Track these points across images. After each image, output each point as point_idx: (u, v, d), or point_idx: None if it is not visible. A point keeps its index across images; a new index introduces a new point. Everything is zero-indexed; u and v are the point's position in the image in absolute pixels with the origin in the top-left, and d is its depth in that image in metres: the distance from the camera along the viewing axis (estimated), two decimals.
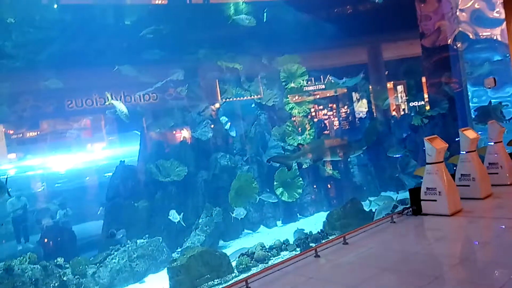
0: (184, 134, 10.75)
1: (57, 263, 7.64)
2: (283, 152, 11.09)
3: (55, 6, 10.83)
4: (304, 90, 12.12)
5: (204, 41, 10.98)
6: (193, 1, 12.43)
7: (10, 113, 10.95)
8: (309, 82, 12.25)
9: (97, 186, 10.84)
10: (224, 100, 11.31)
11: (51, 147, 11.75)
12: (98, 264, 7.78)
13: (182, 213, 8.88)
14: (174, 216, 8.77)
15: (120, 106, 9.38)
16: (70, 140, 12.08)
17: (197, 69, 11.27)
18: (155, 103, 10.75)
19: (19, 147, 11.64)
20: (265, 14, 11.63)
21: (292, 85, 11.82)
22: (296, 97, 12.06)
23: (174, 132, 10.71)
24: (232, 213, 9.37)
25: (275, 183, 10.55)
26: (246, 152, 10.74)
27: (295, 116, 11.61)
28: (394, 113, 13.12)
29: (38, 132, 12.14)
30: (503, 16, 8.50)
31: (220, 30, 11.37)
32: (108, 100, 9.92)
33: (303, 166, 10.88)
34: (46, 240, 9.33)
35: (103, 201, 9.53)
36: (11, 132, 11.72)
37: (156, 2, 12.80)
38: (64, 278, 7.28)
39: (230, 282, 6.17)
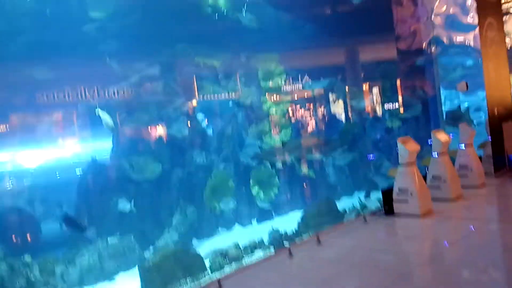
0: (159, 130, 10.59)
1: (24, 261, 7.39)
2: (259, 151, 11.08)
3: None
4: (281, 89, 12.14)
5: (182, 35, 10.84)
6: None
7: None
8: (287, 82, 12.28)
9: (67, 183, 10.55)
10: (201, 97, 11.20)
11: (21, 141, 11.39)
12: (67, 263, 7.57)
13: (132, 200, 8.72)
14: (124, 205, 8.60)
15: (107, 119, 9.24)
16: (40, 135, 11.74)
17: (174, 64, 11.12)
18: (129, 98, 10.55)
19: None
20: (244, 10, 11.57)
21: (270, 84, 11.82)
22: (274, 97, 12.06)
23: (148, 128, 10.53)
24: (219, 205, 9.28)
25: (251, 181, 10.52)
26: (222, 150, 10.66)
27: (272, 115, 11.62)
28: (369, 114, 13.30)
29: (7, 126, 11.75)
30: (476, 21, 8.71)
31: (198, 25, 11.26)
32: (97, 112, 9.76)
33: (278, 165, 10.90)
34: (13, 237, 9.04)
35: (74, 198, 9.29)
36: None
37: None
38: (31, 277, 7.06)
39: (203, 282, 6.09)
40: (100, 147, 10.86)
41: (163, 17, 11.01)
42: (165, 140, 10.39)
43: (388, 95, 12.69)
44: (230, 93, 11.52)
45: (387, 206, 6.51)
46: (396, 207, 6.43)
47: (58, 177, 10.77)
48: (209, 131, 10.90)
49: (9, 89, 11.02)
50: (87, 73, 11.29)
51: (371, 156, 11.63)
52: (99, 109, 9.78)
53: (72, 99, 12.03)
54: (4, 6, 10.01)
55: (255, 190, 10.50)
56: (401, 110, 12.23)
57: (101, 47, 10.22)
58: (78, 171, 9.96)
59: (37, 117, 12.03)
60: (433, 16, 10.65)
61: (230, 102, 11.50)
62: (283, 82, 12.13)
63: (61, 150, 11.64)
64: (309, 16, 13.11)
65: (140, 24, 10.61)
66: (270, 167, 10.83)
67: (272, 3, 12.28)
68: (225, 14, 11.50)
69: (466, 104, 10.76)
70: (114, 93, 10.36)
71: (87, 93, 11.91)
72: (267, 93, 11.88)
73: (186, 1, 12.24)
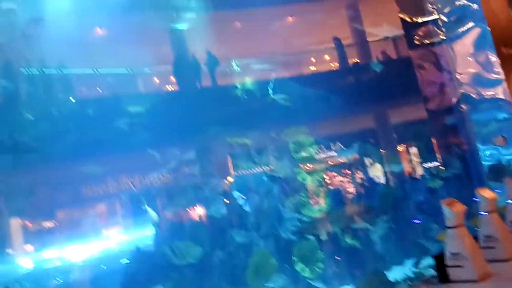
0: (198, 212, 10.73)
1: None
2: (299, 224, 10.88)
3: (72, 99, 11.55)
4: (314, 159, 12.20)
5: (214, 119, 11.39)
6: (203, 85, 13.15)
7: (27, 205, 11.20)
8: (319, 151, 12.38)
9: (113, 274, 10.63)
10: (235, 175, 11.44)
11: (68, 236, 11.80)
12: None
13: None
14: None
15: (152, 214, 9.60)
16: (86, 228, 12.16)
17: (208, 147, 11.57)
18: (168, 184, 10.93)
19: (36, 238, 11.69)
20: (270, 90, 12.13)
21: (302, 155, 11.94)
22: (308, 167, 12.11)
23: (188, 211, 10.71)
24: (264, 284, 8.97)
25: (294, 257, 10.21)
26: (261, 227, 10.56)
27: (308, 186, 11.57)
28: (408, 176, 13.00)
29: (55, 222, 12.27)
30: (502, 76, 8.74)
31: (228, 108, 11.85)
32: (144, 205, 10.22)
33: (321, 237, 10.59)
34: None
35: None
36: (28, 223, 11.86)
37: (166, 88, 13.60)
38: None
39: None
40: (143, 235, 11.07)
41: (195, 104, 11.74)
42: (204, 221, 10.47)
43: (424, 155, 12.47)
44: (263, 168, 11.71)
45: (441, 273, 6.09)
46: (451, 273, 6.00)
47: (104, 268, 10.82)
48: (247, 208, 10.92)
49: (56, 186, 11.74)
50: (128, 164, 11.93)
51: (416, 220, 11.16)
52: (146, 206, 10.13)
53: (115, 190, 12.63)
54: (51, 110, 10.95)
55: (299, 266, 10.13)
56: (441, 169, 11.92)
57: (140, 137, 10.87)
58: (123, 261, 10.07)
59: (83, 211, 12.60)
60: (457, 75, 10.79)
61: (265, 177, 11.62)
62: (315, 152, 12.22)
63: (106, 241, 11.95)
64: (335, 87, 13.55)
65: (175, 113, 11.33)
66: (312, 240, 10.54)
67: (297, 79, 12.89)
68: (253, 94, 12.12)
69: (506, 158, 10.38)
70: (154, 181, 10.76)
71: (128, 183, 12.49)
72: (300, 164, 11.96)
73: (215, 87, 13.09)
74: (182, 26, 13.30)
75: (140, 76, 13.40)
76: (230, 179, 11.48)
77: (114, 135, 10.90)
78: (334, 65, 15.87)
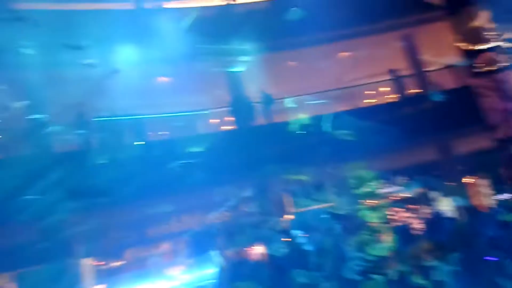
0: (258, 251, 10.66)
1: None
2: (364, 264, 10.43)
3: (136, 144, 12.30)
4: (376, 194, 11.80)
5: (271, 157, 11.52)
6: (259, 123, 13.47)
7: (98, 246, 11.83)
8: (380, 186, 11.98)
9: None
10: (294, 212, 11.33)
11: (134, 276, 12.21)
12: None
13: None
14: None
15: (215, 255, 9.99)
16: (151, 268, 12.52)
17: (266, 185, 11.64)
18: (228, 222, 11.06)
19: (106, 278, 12.19)
20: (327, 125, 12.10)
21: (363, 190, 11.61)
22: (370, 202, 11.73)
23: (248, 250, 10.68)
24: None
25: None
26: (323, 267, 10.25)
27: (371, 223, 11.14)
28: (477, 209, 12.09)
29: (123, 262, 12.78)
30: None
31: (284, 146, 11.95)
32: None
33: (388, 278, 10.04)
34: None
35: None
36: (100, 263, 12.44)
37: (223, 128, 14.06)
38: None
39: None
40: (206, 274, 11.17)
41: (251, 142, 11.98)
42: (264, 261, 10.37)
43: (494, 187, 11.63)
44: (323, 205, 11.51)
45: None
46: None
47: None
48: (307, 247, 10.69)
49: (124, 227, 12.33)
50: (190, 203, 12.30)
51: (489, 257, 10.24)
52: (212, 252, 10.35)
53: (177, 228, 12.98)
54: (116, 155, 11.68)
55: None
56: None
57: (199, 177, 11.23)
58: None
59: (148, 250, 13.02)
60: None
61: (325, 214, 11.39)
62: (376, 187, 11.85)
63: (170, 280, 12.20)
64: (394, 119, 13.22)
65: (232, 152, 11.63)
66: (379, 280, 10.02)
67: (354, 113, 12.78)
68: (308, 130, 12.17)
69: None
70: (214, 219, 10.94)
71: (190, 221, 12.81)
72: (361, 200, 11.62)
73: (271, 125, 13.31)
74: (238, 69, 13.88)
75: (200, 118, 14.03)
76: (289, 216, 11.37)
77: (175, 175, 11.37)
78: (392, 97, 15.58)
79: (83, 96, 10.97)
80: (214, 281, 10.18)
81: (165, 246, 13.33)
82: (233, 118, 13.54)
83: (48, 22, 9.22)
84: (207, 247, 11.33)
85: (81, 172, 10.57)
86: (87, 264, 11.72)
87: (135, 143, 12.27)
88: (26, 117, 10.82)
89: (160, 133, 13.15)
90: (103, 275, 12.13)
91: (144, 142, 12.27)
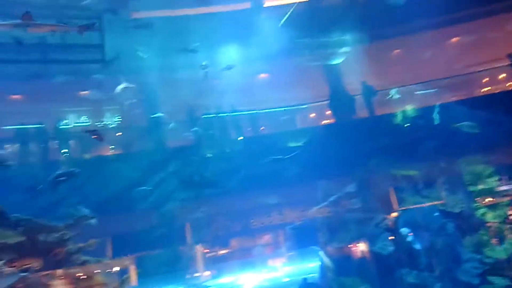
0: (362, 248, 10.40)
1: None
2: (480, 266, 9.59)
3: (240, 138, 12.79)
4: (496, 191, 10.69)
5: (374, 151, 11.10)
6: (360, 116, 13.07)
7: (207, 233, 12.59)
8: (501, 182, 10.82)
9: None
10: (402, 209, 10.80)
11: (240, 264, 12.77)
12: None
13: None
14: None
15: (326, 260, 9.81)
16: (254, 257, 12.97)
17: (370, 180, 11.25)
18: (329, 218, 10.94)
19: (214, 265, 12.92)
20: (437, 115, 11.27)
21: (481, 187, 10.59)
22: (487, 200, 10.68)
23: (351, 246, 10.48)
24: None
25: None
26: (435, 268, 9.64)
27: (490, 223, 10.16)
28: None
29: (229, 250, 13.43)
30: None
31: (389, 139, 11.43)
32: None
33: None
34: None
35: None
36: (208, 250, 13.22)
37: (323, 122, 13.93)
38: None
39: None
40: (308, 267, 11.24)
41: (353, 136, 11.66)
42: (369, 258, 10.10)
43: None
44: (434, 203, 10.77)
45: None
46: None
47: None
48: (417, 246, 10.13)
49: (231, 216, 12.94)
50: (291, 196, 12.44)
51: None
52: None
53: (279, 221, 13.24)
54: (223, 149, 12.26)
55: None
56: None
57: (300, 171, 11.28)
58: None
59: (253, 240, 13.50)
60: None
61: (436, 212, 10.67)
62: (495, 183, 10.73)
63: (273, 271, 12.52)
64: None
65: (333, 147, 11.45)
66: (499, 283, 9.15)
67: (467, 102, 11.76)
68: (415, 122, 11.49)
69: None
70: (316, 214, 10.93)
71: (292, 215, 12.97)
72: (478, 198, 10.63)
73: (374, 117, 12.82)
74: (337, 61, 13.61)
75: (299, 113, 14.08)
76: (395, 214, 10.85)
77: (277, 169, 11.56)
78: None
79: (193, 96, 11.72)
80: (316, 275, 10.22)
81: (267, 238, 13.71)
82: (333, 112, 13.34)
83: (162, 28, 9.99)
84: (308, 241, 11.38)
85: (192, 165, 11.34)
86: (198, 250, 12.55)
87: (239, 137, 12.79)
88: (145, 116, 11.96)
89: (262, 128, 13.48)
90: (211, 261, 12.88)
91: (248, 137, 12.73)
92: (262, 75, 14.61)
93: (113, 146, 12.00)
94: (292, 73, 12.95)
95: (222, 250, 13.08)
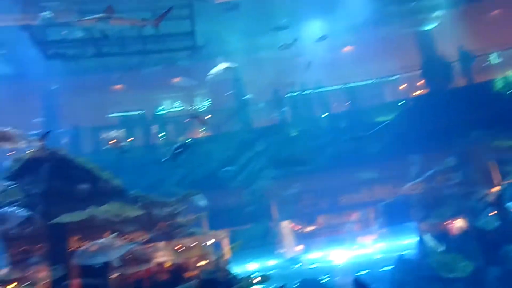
0: (462, 224, 9.82)
1: None
2: None
3: (324, 115, 12.67)
4: None
5: (475, 122, 10.32)
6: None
7: (295, 210, 12.83)
8: None
9: (375, 280, 10.86)
10: (506, 183, 9.96)
11: (328, 241, 12.83)
12: None
13: None
14: None
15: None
16: (344, 234, 12.92)
17: (470, 153, 10.52)
18: (426, 193, 10.47)
19: (303, 240, 13.14)
20: None
21: None
22: None
23: (450, 222, 9.96)
24: None
25: None
26: None
27: None
28: None
29: (317, 227, 13.54)
30: None
31: (491, 108, 10.53)
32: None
33: None
34: None
35: None
36: (297, 226, 13.46)
37: (415, 94, 13.17)
38: None
39: None
40: (403, 245, 10.96)
41: (450, 106, 10.91)
42: (471, 234, 9.52)
43: None
44: None
45: None
46: None
47: (366, 273, 11.10)
48: None
49: (318, 193, 13.01)
50: (382, 172, 12.12)
51: None
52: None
53: (369, 198, 13.00)
54: (309, 127, 12.23)
55: None
56: None
57: (393, 146, 10.92)
58: (384, 268, 10.17)
59: (340, 217, 13.44)
60: None
61: None
62: None
63: (363, 247, 12.42)
64: None
65: (428, 119, 10.86)
66: None
67: None
68: None
69: None
70: (412, 189, 10.54)
71: (383, 191, 12.64)
72: None
73: (473, 85, 11.87)
74: (429, 26, 12.72)
75: (389, 85, 13.47)
76: (499, 188, 10.02)
77: (365, 145, 11.31)
78: None
79: (278, 74, 11.83)
80: (413, 251, 9.90)
81: (357, 215, 13.54)
82: (427, 82, 12.56)
83: (248, 8, 10.11)
84: (402, 217, 11.02)
85: (280, 144, 11.57)
86: (286, 226, 12.86)
87: (324, 114, 12.67)
88: (234, 98, 12.37)
89: (348, 103, 13.19)
90: (299, 237, 13.11)
91: (334, 113, 12.58)
92: (348, 48, 14.17)
93: (204, 129, 12.67)
94: (380, 44, 12.39)
95: (309, 226, 13.23)
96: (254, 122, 12.27)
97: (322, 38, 10.48)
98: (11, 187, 5.08)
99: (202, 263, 6.06)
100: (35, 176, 5.45)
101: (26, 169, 5.57)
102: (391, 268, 9.53)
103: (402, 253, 9.67)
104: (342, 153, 11.54)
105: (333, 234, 13.13)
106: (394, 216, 11.65)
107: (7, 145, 4.74)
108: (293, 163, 11.35)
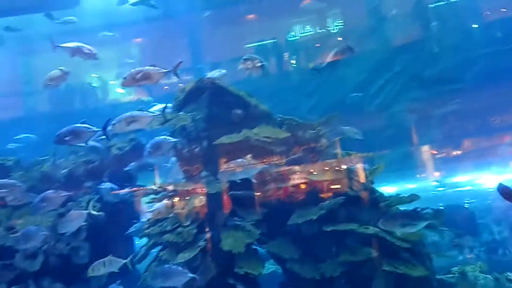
0: None
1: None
2: None
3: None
4: None
5: None
6: None
7: (437, 134, 12.01)
8: None
9: None
10: None
11: (475, 165, 11.87)
12: None
13: None
14: None
15: None
16: (494, 158, 11.78)
17: None
18: None
19: (445, 165, 12.39)
20: None
21: None
22: None
23: None
24: None
25: None
26: None
27: None
28: None
29: (462, 151, 12.56)
30: None
31: None
32: None
33: None
34: None
35: None
36: (435, 152, 12.70)
37: None
38: None
39: None
40: None
41: None
42: None
43: None
44: None
45: None
46: None
47: None
48: None
49: (464, 115, 11.88)
50: None
51: None
52: None
53: None
54: (455, 41, 10.94)
55: None
56: None
57: None
58: None
59: (489, 141, 12.20)
60: None
61: None
62: None
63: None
64: None
65: None
66: None
67: None
68: None
69: None
70: None
71: None
72: None
73: None
74: None
75: None
76: None
77: None
78: None
79: None
80: None
81: (509, 137, 12.16)
82: None
83: None
84: None
85: (421, 62, 10.69)
86: (428, 150, 12.21)
87: (473, 25, 11.19)
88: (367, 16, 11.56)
89: (504, 9, 11.33)
90: (443, 162, 12.39)
91: (485, 22, 11.01)
92: None
93: (336, 52, 12.27)
94: None
95: (454, 151, 12.38)
96: (393, 40, 11.43)
97: None
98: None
99: (348, 182, 6.25)
100: (198, 103, 6.17)
101: (190, 97, 6.31)
102: None
103: None
104: (496, 67, 10.23)
105: (481, 159, 12.16)
106: None
107: (149, 83, 5.25)
108: (436, 82, 10.47)
